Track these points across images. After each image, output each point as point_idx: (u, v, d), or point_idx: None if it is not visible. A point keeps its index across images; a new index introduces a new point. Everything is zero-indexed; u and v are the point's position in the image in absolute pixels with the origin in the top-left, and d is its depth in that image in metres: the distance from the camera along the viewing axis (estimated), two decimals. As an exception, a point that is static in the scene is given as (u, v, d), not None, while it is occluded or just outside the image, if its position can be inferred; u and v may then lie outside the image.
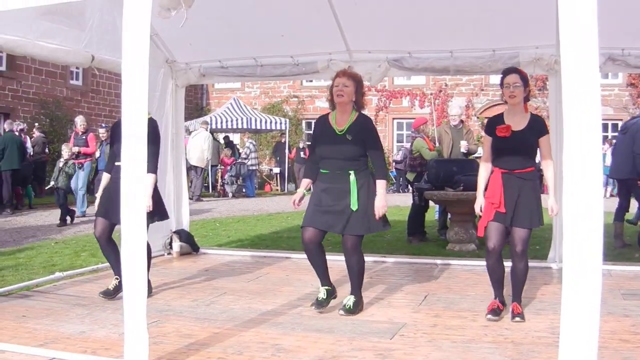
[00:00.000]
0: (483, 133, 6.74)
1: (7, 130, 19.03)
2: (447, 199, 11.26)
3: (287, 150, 30.47)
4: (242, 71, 10.31)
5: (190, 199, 23.56)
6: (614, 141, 20.04)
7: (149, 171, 6.97)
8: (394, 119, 33.81)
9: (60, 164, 15.80)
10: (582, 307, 3.95)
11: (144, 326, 4.70)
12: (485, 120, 6.85)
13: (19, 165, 18.02)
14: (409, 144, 13.49)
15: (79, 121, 17.67)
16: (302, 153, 28.68)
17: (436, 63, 9.41)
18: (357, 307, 6.60)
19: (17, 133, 18.83)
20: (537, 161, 6.53)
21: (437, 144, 12.36)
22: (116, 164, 7.12)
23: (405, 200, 15.21)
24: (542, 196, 6.34)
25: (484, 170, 6.51)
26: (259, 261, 9.95)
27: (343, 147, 6.46)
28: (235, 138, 32.74)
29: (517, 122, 6.26)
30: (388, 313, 6.65)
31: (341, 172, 6.45)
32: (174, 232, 10.38)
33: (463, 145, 11.95)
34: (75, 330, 5.92)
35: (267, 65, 10.06)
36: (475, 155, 13.12)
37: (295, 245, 11.69)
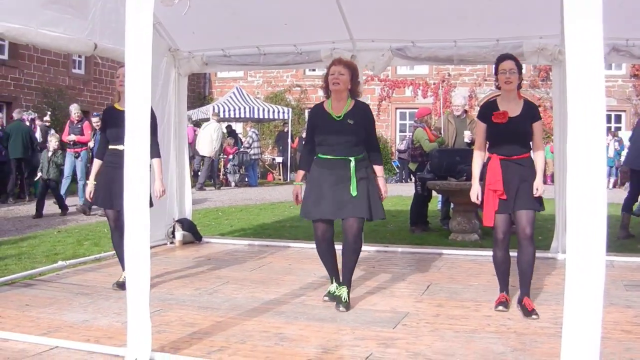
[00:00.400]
0: (477, 119, 6.73)
1: (15, 119, 19.01)
2: (450, 189, 11.26)
3: (289, 140, 30.38)
4: (245, 60, 10.30)
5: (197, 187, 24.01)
6: (617, 133, 20.02)
7: (153, 157, 7.01)
8: (396, 108, 33.76)
9: (49, 154, 15.49)
10: (585, 298, 3.95)
11: (147, 315, 4.71)
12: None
13: (22, 154, 17.96)
14: (411, 133, 13.48)
15: (74, 109, 17.36)
16: (304, 142, 28.52)
17: (440, 52, 9.40)
18: (349, 298, 6.56)
19: (27, 122, 18.83)
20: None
21: (441, 134, 12.35)
22: (111, 147, 7.11)
23: (408, 190, 15.19)
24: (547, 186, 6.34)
25: (478, 158, 6.51)
26: (262, 250, 9.96)
27: (344, 131, 6.45)
28: (237, 127, 32.72)
29: (512, 109, 6.26)
30: (391, 302, 6.64)
31: (341, 158, 6.43)
32: (177, 221, 10.39)
33: (467, 135, 11.92)
34: (78, 319, 5.93)
35: (270, 54, 10.05)
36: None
37: (298, 235, 11.73)
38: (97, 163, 7.48)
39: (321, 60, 9.69)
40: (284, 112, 30.09)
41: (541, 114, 6.58)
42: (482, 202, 6.37)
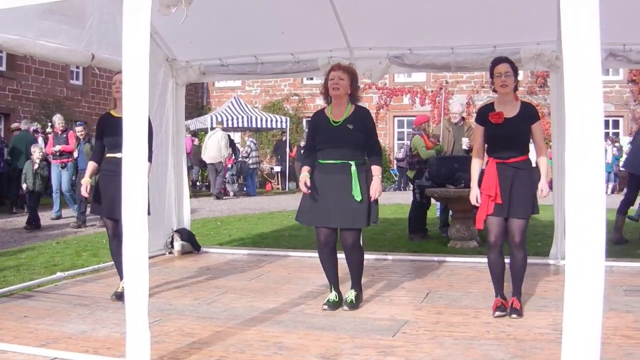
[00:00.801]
0: (474, 123, 6.74)
1: (22, 129, 18.98)
2: (449, 196, 11.26)
3: (287, 149, 30.38)
4: (243, 69, 10.30)
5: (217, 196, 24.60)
6: (614, 136, 19.97)
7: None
8: (394, 116, 33.75)
9: (35, 167, 15.32)
10: (585, 304, 3.94)
11: (146, 325, 4.70)
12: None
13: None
14: (409, 141, 13.50)
15: (57, 120, 16.91)
16: (302, 151, 28.54)
17: (437, 59, 9.41)
18: (359, 301, 6.68)
19: (30, 133, 18.83)
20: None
21: (439, 141, 12.36)
22: (108, 155, 7.10)
23: (407, 198, 15.21)
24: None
25: (477, 161, 6.55)
26: (261, 259, 9.94)
27: (345, 136, 6.48)
28: (235, 137, 32.73)
29: (509, 111, 6.30)
30: (390, 310, 6.64)
31: (342, 163, 6.46)
32: (175, 231, 10.38)
33: (465, 142, 11.93)
34: (76, 330, 5.91)
35: (268, 62, 10.05)
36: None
37: (296, 244, 11.72)
38: (92, 164, 7.45)
39: (319, 69, 9.69)
40: (282, 121, 30.11)
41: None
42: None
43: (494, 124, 6.27)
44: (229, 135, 28.22)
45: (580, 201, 3.95)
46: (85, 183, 7.38)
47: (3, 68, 25.32)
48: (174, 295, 7.47)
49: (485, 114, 6.41)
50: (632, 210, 12.35)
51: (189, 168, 20.75)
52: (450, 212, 12.02)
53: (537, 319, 6.11)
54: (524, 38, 8.75)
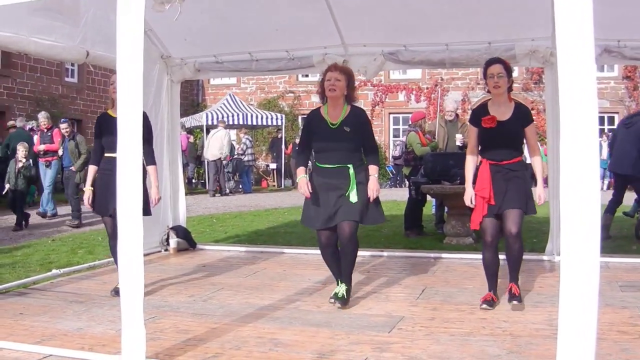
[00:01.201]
0: (468, 124, 6.75)
1: (18, 127, 18.91)
2: (444, 193, 11.27)
3: (283, 146, 30.37)
4: (237, 66, 10.29)
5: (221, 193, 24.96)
6: (610, 133, 19.93)
7: (149, 164, 7.06)
8: (390, 113, 33.73)
9: (19, 165, 15.07)
10: (580, 300, 3.94)
11: (141, 322, 4.70)
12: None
13: None
14: (405, 137, 13.50)
15: (42, 117, 16.64)
16: (297, 148, 28.53)
17: (432, 56, 9.40)
18: (349, 296, 6.65)
19: (26, 131, 18.75)
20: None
21: (435, 138, 12.38)
22: (106, 155, 7.10)
23: (403, 194, 15.20)
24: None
25: (471, 162, 6.57)
26: (256, 256, 9.94)
27: (341, 139, 6.48)
28: (231, 134, 32.71)
29: (502, 113, 6.30)
30: (386, 307, 6.64)
31: (340, 166, 6.47)
32: (171, 229, 10.38)
33: (459, 139, 11.95)
34: (72, 327, 5.91)
35: (263, 59, 10.04)
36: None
37: (292, 240, 11.72)
38: (92, 169, 7.47)
39: (313, 66, 9.69)
40: (277, 119, 30.08)
41: (534, 117, 6.60)
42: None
43: (487, 128, 6.28)
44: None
45: (576, 197, 3.95)
46: (88, 192, 7.40)
47: (-2, 65, 25.30)
48: (170, 292, 7.47)
49: (478, 116, 6.42)
50: (626, 207, 12.38)
51: (185, 165, 20.76)
52: (446, 209, 12.04)
53: (533, 314, 6.12)
54: (519, 34, 8.75)
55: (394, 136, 33.25)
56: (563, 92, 3.97)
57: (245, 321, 6.11)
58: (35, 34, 7.51)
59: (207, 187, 26.09)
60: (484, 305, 6.32)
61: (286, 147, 30.37)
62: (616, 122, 29.00)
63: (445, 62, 9.47)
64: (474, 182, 6.42)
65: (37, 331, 5.78)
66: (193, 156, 28.43)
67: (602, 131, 26.74)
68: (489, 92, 6.40)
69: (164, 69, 10.34)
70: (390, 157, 29.76)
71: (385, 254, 9.85)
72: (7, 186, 15.25)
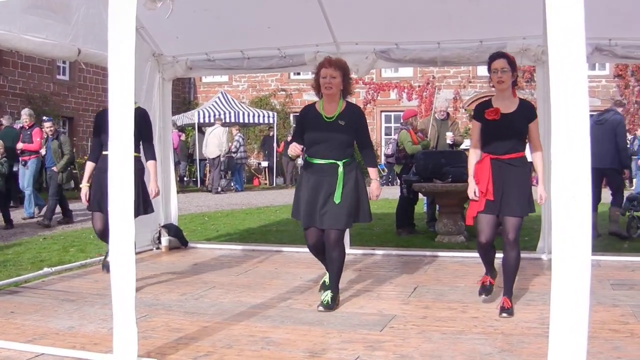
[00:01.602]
0: (472, 120, 6.73)
1: (5, 125, 18.79)
2: (436, 191, 11.28)
3: (275, 144, 30.39)
4: (229, 64, 10.28)
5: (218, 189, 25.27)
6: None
7: (149, 159, 7.09)
8: (382, 111, 33.80)
9: None
10: (572, 298, 3.96)
11: (133, 321, 4.69)
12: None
13: (13, 159, 17.55)
14: (397, 135, 13.52)
15: (24, 115, 16.19)
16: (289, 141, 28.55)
17: (423, 54, 9.42)
18: (334, 302, 6.54)
19: (16, 129, 18.63)
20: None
21: (427, 136, 12.40)
22: (104, 152, 7.09)
23: (394, 193, 15.21)
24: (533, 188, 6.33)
25: (474, 156, 6.48)
26: (248, 255, 9.94)
27: (335, 133, 6.46)
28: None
29: (506, 107, 6.22)
30: (378, 305, 6.64)
31: (330, 163, 6.44)
32: (163, 227, 10.37)
33: (449, 137, 11.99)
34: (63, 326, 5.90)
35: (254, 57, 10.03)
36: (463, 146, 13.18)
37: (284, 239, 11.71)
38: (90, 166, 7.52)
39: (305, 64, 9.69)
40: (269, 117, 30.07)
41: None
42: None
43: (490, 120, 6.25)
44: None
45: (566, 196, 3.96)
46: (85, 189, 7.40)
47: (-11, 63, 25.25)
48: (161, 290, 7.45)
49: (482, 110, 6.35)
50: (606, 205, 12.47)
51: (176, 163, 20.75)
52: (438, 207, 12.05)
53: (525, 313, 6.13)
54: (510, 33, 8.76)
55: (386, 134, 33.27)
56: (554, 91, 3.98)
57: (237, 320, 6.10)
58: (27, 31, 7.49)
59: (206, 185, 26.32)
60: (483, 295, 6.40)
61: (278, 145, 30.39)
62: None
63: (436, 61, 9.49)
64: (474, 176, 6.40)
65: (28, 330, 5.76)
66: (185, 154, 28.43)
67: (593, 129, 26.75)
68: (493, 87, 6.37)
69: (156, 67, 10.33)
70: (382, 155, 29.77)
71: (377, 252, 9.85)
72: None
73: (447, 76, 32.09)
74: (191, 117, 28.58)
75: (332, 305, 6.45)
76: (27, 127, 15.92)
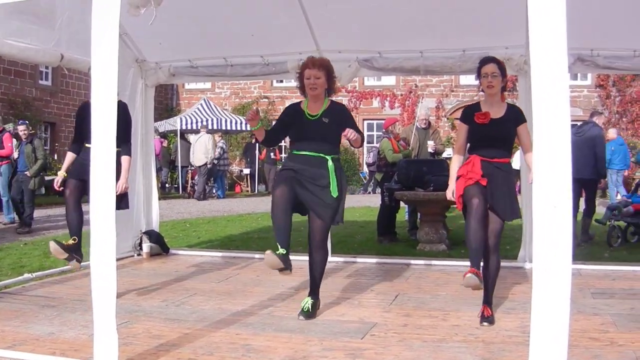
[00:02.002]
0: (458, 122, 6.69)
1: None
2: (418, 199, 11.30)
3: (257, 151, 30.35)
4: (212, 71, 10.27)
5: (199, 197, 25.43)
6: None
7: (123, 154, 7.02)
8: (364, 119, 33.80)
9: None
10: (552, 306, 3.97)
11: (114, 327, 4.68)
12: (456, 122, 6.84)
13: None
14: (379, 143, 13.56)
15: None
16: (272, 154, 28.63)
17: (406, 63, 9.43)
18: (315, 310, 6.54)
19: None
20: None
21: (409, 145, 12.44)
22: (86, 145, 7.02)
23: (376, 201, 15.24)
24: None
25: (457, 159, 6.46)
26: (229, 262, 9.93)
27: (320, 129, 6.46)
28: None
29: (495, 111, 6.19)
30: (359, 313, 6.64)
31: (318, 156, 6.42)
32: (144, 233, 10.34)
33: (430, 146, 12.05)
34: (44, 332, 5.87)
35: (237, 65, 10.02)
36: (445, 155, 13.24)
37: (265, 246, 11.60)
38: (70, 156, 7.46)
39: (288, 72, 9.69)
40: (251, 124, 29.98)
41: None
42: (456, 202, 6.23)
43: (480, 124, 6.24)
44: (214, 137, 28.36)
45: (547, 205, 3.98)
46: (60, 176, 7.35)
47: (-29, 68, 25.15)
48: (142, 297, 7.43)
49: (470, 113, 6.32)
50: (599, 215, 12.53)
51: (158, 170, 20.70)
52: (419, 215, 12.08)
53: (505, 321, 6.14)
54: (493, 42, 8.77)
55: (368, 142, 33.25)
56: (536, 100, 4.01)
57: (218, 327, 6.10)
58: (9, 36, 7.47)
59: (188, 191, 26.40)
60: (468, 275, 5.76)
61: (260, 153, 30.33)
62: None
63: (419, 70, 9.51)
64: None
65: (8, 336, 5.74)
66: (167, 160, 28.41)
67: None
68: (482, 91, 6.36)
69: (139, 73, 10.30)
70: (364, 164, 29.81)
71: (358, 260, 9.86)
72: None
73: (430, 85, 32.18)
74: (173, 123, 28.54)
75: (312, 313, 6.45)
76: None
